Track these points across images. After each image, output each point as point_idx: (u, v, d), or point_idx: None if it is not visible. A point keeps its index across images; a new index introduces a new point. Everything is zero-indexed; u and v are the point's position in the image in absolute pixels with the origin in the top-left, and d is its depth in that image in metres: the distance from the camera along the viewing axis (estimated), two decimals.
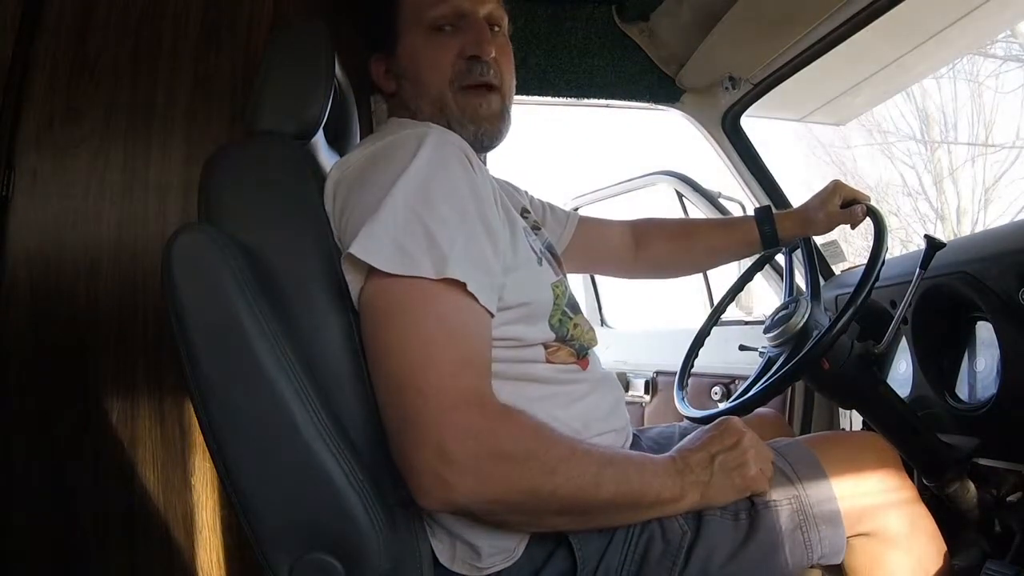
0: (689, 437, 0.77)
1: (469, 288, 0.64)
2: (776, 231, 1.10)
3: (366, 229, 0.64)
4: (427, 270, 0.63)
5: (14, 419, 1.07)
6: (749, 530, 0.73)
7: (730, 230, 1.16)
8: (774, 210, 1.12)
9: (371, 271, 0.64)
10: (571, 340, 0.80)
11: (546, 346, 0.78)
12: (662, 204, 2.04)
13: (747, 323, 1.66)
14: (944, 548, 0.79)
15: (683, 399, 1.12)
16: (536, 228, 0.96)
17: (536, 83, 1.54)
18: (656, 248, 1.17)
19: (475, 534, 0.71)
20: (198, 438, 1.18)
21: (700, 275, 2.01)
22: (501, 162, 0.97)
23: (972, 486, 0.93)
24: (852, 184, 1.11)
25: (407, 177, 0.66)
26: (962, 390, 1.06)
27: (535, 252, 0.80)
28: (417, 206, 0.65)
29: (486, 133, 0.84)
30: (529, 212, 1.01)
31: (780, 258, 1.32)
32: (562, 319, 0.79)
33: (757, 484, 0.73)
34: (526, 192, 1.10)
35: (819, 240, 1.31)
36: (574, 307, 0.83)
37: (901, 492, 0.78)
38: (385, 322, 0.64)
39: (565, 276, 0.86)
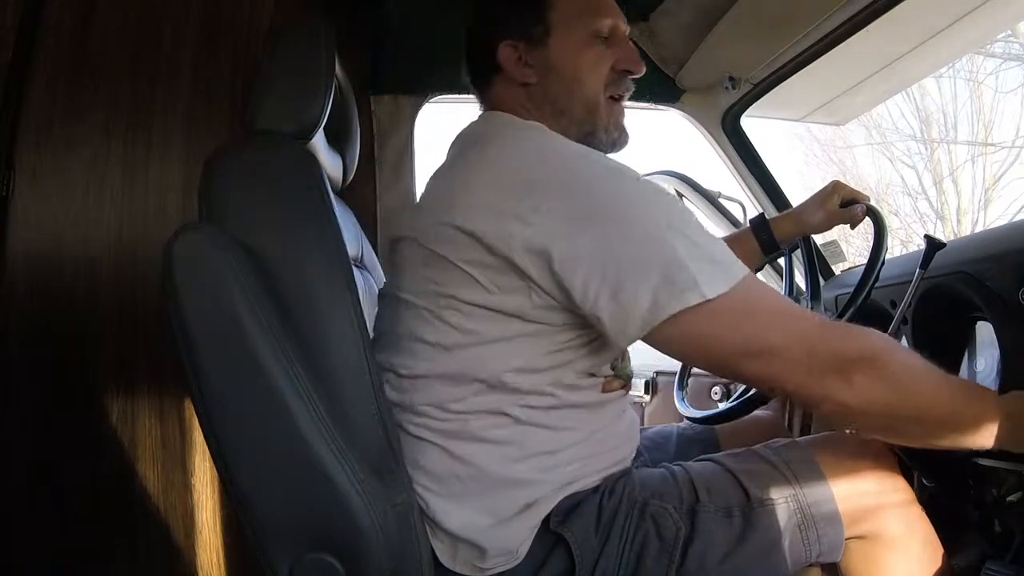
0: None
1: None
2: (773, 237, 1.10)
3: (676, 277, 0.64)
4: (739, 270, 0.67)
5: (14, 419, 1.06)
6: (745, 528, 0.74)
7: (733, 247, 1.16)
8: (767, 216, 1.13)
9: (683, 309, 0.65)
10: (621, 373, 0.83)
11: (604, 376, 0.80)
12: None
13: None
14: (941, 550, 0.79)
15: (683, 399, 1.12)
16: None
17: None
18: None
19: (483, 536, 0.71)
20: (198, 438, 1.18)
21: None
22: None
23: (972, 486, 0.93)
24: (852, 184, 1.12)
25: (655, 208, 0.69)
26: None
27: None
28: (686, 229, 0.67)
29: (620, 140, 0.88)
30: None
31: (780, 258, 1.31)
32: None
33: None
34: None
35: (819, 240, 1.31)
36: None
37: (897, 493, 0.78)
38: (742, 328, 0.66)
39: None
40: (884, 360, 0.67)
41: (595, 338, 0.75)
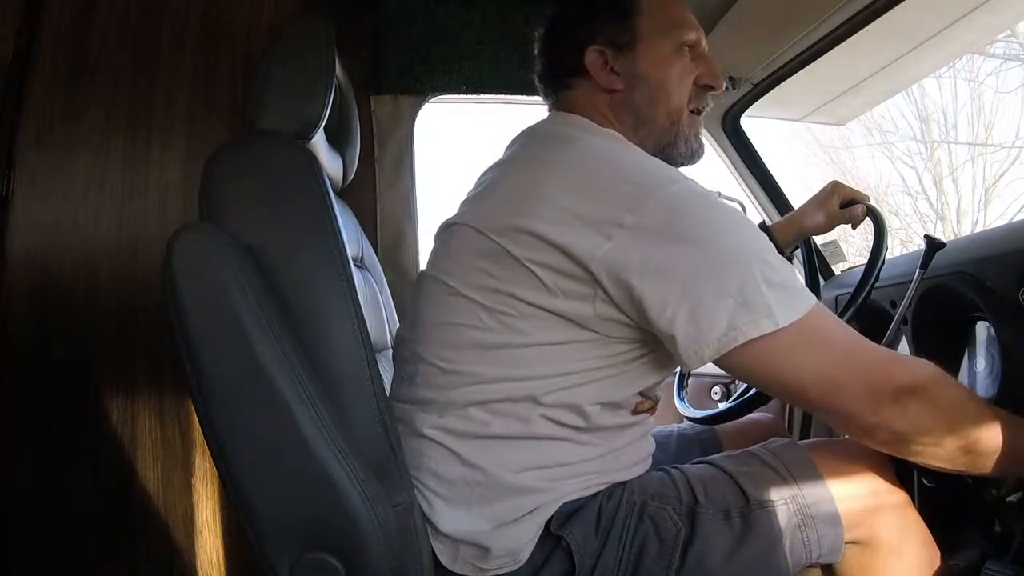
0: None
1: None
2: (778, 244, 1.10)
3: (753, 302, 0.65)
4: (809, 297, 0.67)
5: (14, 419, 1.07)
6: (744, 529, 0.74)
7: None
8: (769, 222, 1.13)
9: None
10: (651, 395, 0.82)
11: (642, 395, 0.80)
12: None
13: None
14: (937, 553, 0.78)
15: (683, 399, 1.12)
16: None
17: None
18: None
19: (486, 537, 0.71)
20: (198, 438, 1.18)
21: None
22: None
23: (972, 486, 0.93)
24: (852, 184, 1.12)
25: (734, 230, 0.68)
26: None
27: None
28: (763, 253, 0.68)
29: (698, 151, 0.88)
30: None
31: None
32: None
33: None
34: None
35: (819, 240, 1.31)
36: None
37: (893, 496, 0.78)
38: (807, 357, 0.67)
39: None
40: (937, 390, 0.68)
41: (644, 355, 0.74)
